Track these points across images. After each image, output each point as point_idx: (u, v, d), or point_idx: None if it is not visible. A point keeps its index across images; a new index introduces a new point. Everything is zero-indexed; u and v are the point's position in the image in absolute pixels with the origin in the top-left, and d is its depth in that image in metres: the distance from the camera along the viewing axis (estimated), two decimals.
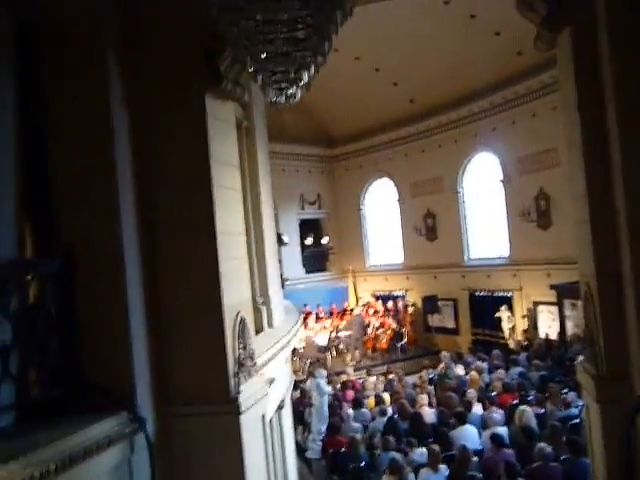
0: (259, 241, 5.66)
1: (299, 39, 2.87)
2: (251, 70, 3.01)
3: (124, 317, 3.73)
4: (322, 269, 23.69)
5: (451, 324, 19.79)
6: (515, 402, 9.62)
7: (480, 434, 8.71)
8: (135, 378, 3.72)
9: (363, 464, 8.03)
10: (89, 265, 3.69)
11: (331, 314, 20.71)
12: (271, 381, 4.82)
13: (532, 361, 12.78)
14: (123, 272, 3.74)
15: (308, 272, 22.68)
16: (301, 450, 10.21)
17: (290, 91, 3.06)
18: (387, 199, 22.75)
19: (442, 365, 13.96)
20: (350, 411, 10.65)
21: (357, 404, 11.12)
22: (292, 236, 20.54)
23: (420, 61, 17.72)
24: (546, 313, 16.50)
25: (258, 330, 5.06)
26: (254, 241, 5.53)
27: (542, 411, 9.25)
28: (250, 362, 4.33)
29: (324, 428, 10.55)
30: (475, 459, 7.64)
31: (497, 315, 17.35)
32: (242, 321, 4.30)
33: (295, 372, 13.85)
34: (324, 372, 12.88)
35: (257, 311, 5.19)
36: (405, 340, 19.10)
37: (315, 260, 23.39)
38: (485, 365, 12.96)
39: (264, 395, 4.56)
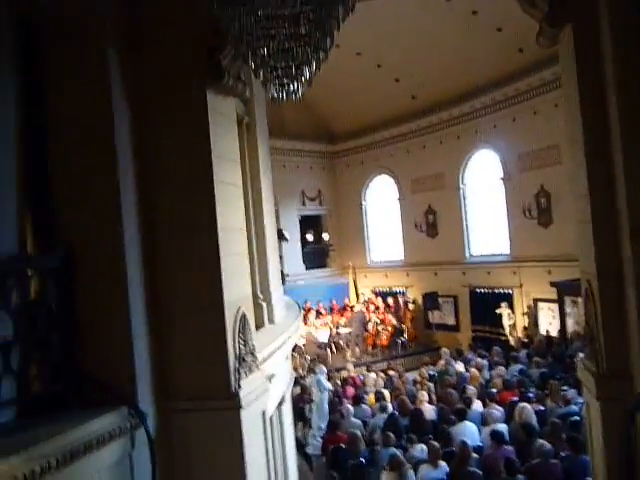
0: (260, 237, 5.66)
1: (301, 35, 2.86)
2: (252, 66, 3.00)
3: (125, 312, 3.73)
4: (322, 265, 23.71)
5: (451, 321, 19.80)
6: (515, 399, 9.63)
7: (480, 431, 8.72)
8: (136, 373, 3.72)
9: (363, 460, 8.05)
10: (90, 260, 3.69)
11: (331, 310, 20.74)
12: (271, 377, 4.82)
13: (532, 358, 12.81)
14: (124, 269, 3.74)
15: (308, 268, 22.69)
16: (301, 446, 10.22)
17: (292, 87, 3.05)
18: (388, 195, 22.75)
19: (442, 362, 13.99)
20: (350, 407, 10.67)
21: (357, 400, 11.14)
22: (293, 232, 20.54)
23: (422, 57, 17.69)
24: (546, 310, 16.52)
25: (259, 326, 5.07)
26: (255, 237, 5.54)
27: (542, 408, 9.27)
28: (251, 358, 4.34)
29: (324, 424, 10.58)
30: (475, 456, 7.66)
31: (497, 311, 17.37)
32: (243, 317, 4.31)
33: (295, 369, 13.87)
34: (324, 368, 12.91)
35: (258, 307, 5.19)
36: (405, 337, 19.13)
37: (315, 256, 23.41)
38: (485, 362, 12.98)
39: (264, 391, 4.57)
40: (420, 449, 8.16)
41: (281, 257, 7.81)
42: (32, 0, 3.79)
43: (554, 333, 15.48)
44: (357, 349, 18.62)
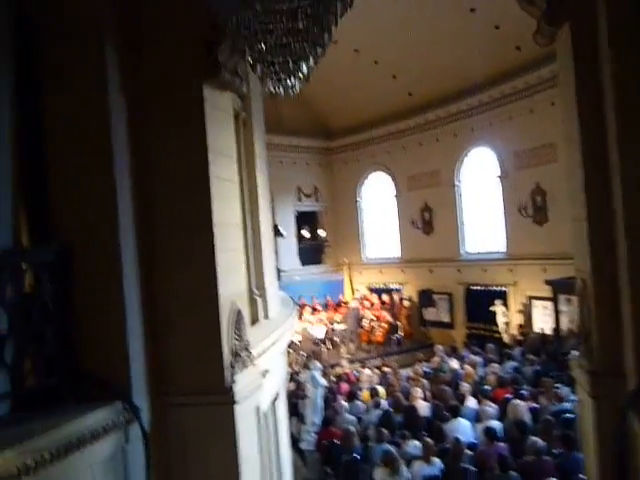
0: (256, 233, 5.66)
1: (298, 30, 2.86)
2: (250, 60, 3.00)
3: (120, 307, 3.73)
4: (318, 261, 23.71)
5: (446, 318, 19.82)
6: (509, 396, 9.67)
7: (474, 427, 8.76)
8: (130, 368, 3.72)
9: (357, 456, 8.07)
10: (86, 255, 3.68)
11: (326, 306, 20.74)
12: (265, 372, 4.82)
13: (526, 356, 12.85)
14: (120, 263, 3.74)
15: (304, 264, 22.68)
16: (295, 441, 10.24)
17: (289, 82, 3.05)
18: (384, 192, 22.75)
19: (437, 359, 14.02)
20: (344, 403, 10.69)
21: (351, 397, 11.17)
22: (289, 228, 20.54)
23: (419, 54, 17.68)
24: (541, 308, 16.56)
25: (254, 321, 5.07)
26: (251, 233, 5.53)
27: (536, 405, 9.30)
28: (245, 353, 4.34)
29: (318, 420, 10.60)
30: (468, 452, 7.69)
31: (491, 309, 17.41)
32: (238, 312, 4.31)
33: (290, 365, 13.88)
34: (319, 364, 12.91)
35: (253, 302, 5.19)
36: (400, 333, 19.16)
37: (311, 252, 23.39)
38: (479, 359, 13.02)
39: (258, 386, 4.57)
40: (414, 445, 8.19)
41: (276, 252, 7.80)
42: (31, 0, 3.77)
43: (548, 331, 15.54)
44: (352, 345, 18.65)
